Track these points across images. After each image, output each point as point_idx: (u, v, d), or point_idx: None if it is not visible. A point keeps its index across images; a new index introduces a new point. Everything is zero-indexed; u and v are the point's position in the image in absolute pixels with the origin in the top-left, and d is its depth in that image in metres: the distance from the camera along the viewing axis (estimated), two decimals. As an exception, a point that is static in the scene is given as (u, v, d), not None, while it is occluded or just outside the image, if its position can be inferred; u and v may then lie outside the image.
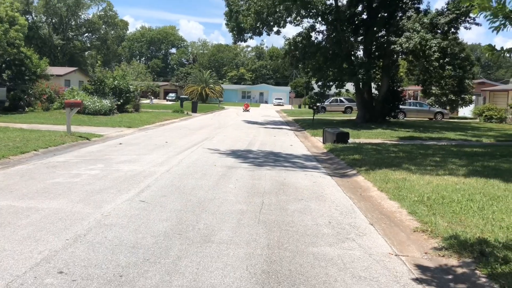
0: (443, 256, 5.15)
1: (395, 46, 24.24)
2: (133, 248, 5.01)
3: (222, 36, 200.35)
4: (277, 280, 4.34)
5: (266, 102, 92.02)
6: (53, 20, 75.00)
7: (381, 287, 4.30)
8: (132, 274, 4.31)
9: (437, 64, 24.10)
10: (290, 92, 77.17)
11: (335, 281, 4.38)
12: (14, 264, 4.43)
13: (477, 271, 4.63)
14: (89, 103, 27.15)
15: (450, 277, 4.61)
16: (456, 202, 7.26)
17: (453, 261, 4.99)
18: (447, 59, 24.25)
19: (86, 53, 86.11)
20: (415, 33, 23.69)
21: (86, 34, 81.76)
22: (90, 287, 4.01)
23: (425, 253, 5.31)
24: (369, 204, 7.76)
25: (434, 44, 23.08)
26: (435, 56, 23.27)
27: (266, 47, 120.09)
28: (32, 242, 5.06)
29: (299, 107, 69.50)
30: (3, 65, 29.11)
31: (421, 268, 4.84)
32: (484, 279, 4.46)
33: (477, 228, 5.89)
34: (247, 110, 51.26)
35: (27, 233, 5.38)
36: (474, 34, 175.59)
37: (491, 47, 4.42)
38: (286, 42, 29.93)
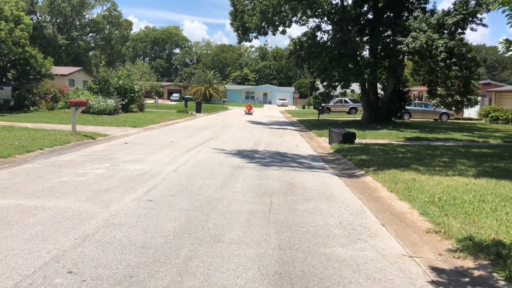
0: (458, 258, 5.04)
1: (401, 46, 24.09)
2: (143, 248, 4.93)
3: (226, 37, 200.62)
4: (290, 282, 4.24)
5: (270, 103, 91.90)
6: (58, 20, 75.05)
7: (397, 289, 4.20)
8: (143, 275, 4.23)
9: (443, 64, 23.94)
10: (294, 93, 77.14)
11: (349, 282, 4.29)
12: (22, 263, 4.35)
13: (494, 274, 4.52)
14: (94, 102, 27.13)
15: (467, 279, 4.50)
16: (468, 203, 7.15)
17: (469, 263, 4.88)
18: (453, 60, 24.10)
19: (90, 53, 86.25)
20: (421, 33, 23.52)
21: (91, 34, 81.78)
22: (101, 287, 3.93)
23: (439, 254, 5.21)
24: (379, 204, 7.66)
25: (440, 44, 22.92)
26: (441, 56, 23.10)
27: (270, 47, 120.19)
28: (41, 241, 4.99)
29: (303, 107, 69.34)
30: (8, 65, 29.17)
31: (437, 270, 4.73)
32: (502, 282, 4.35)
33: (492, 229, 5.78)
34: (250, 113, 42.87)
35: (35, 232, 5.31)
36: (479, 35, 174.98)
37: (508, 41, 4.33)
38: (292, 42, 29.85)
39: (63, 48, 72.45)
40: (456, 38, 24.40)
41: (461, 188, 8.31)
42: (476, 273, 4.62)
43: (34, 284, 3.91)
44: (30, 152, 11.40)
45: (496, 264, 4.69)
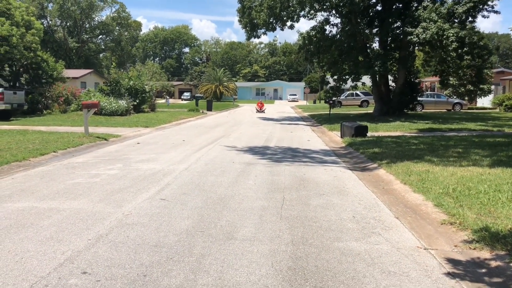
0: (474, 249, 4.97)
1: (412, 37, 23.83)
2: (156, 247, 4.95)
3: (235, 34, 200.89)
4: (304, 277, 4.22)
5: (281, 99, 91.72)
6: (68, 24, 75.76)
7: (412, 282, 4.15)
8: (156, 274, 4.24)
9: (455, 54, 23.63)
10: (304, 88, 76.84)
11: (364, 276, 4.25)
12: (38, 265, 4.40)
13: (512, 264, 4.45)
14: (106, 104, 27.32)
15: (483, 270, 4.44)
16: (483, 193, 7.05)
17: (485, 254, 4.81)
18: (465, 49, 23.74)
19: (101, 55, 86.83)
20: (431, 23, 23.23)
21: (100, 36, 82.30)
22: (115, 287, 3.95)
23: (455, 246, 5.14)
24: (392, 197, 7.59)
25: (451, 34, 22.60)
26: (452, 46, 22.79)
27: (279, 43, 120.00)
28: (55, 243, 5.03)
29: (314, 102, 69.06)
30: (21, 69, 29.52)
31: (452, 261, 4.67)
32: (520, 272, 4.28)
33: (508, 219, 5.68)
34: (262, 111, 39.79)
35: (50, 233, 5.36)
36: (491, 23, 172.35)
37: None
38: (300, 37, 29.69)
39: (74, 51, 73.08)
40: (467, 26, 24.03)
41: (476, 178, 8.20)
42: (493, 263, 4.55)
43: (49, 285, 3.95)
44: (44, 155, 11.52)
45: (513, 254, 4.61)
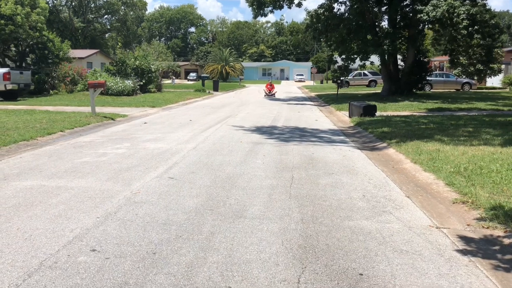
0: (487, 227, 4.89)
1: (422, 15, 23.35)
2: (165, 225, 4.91)
3: (241, 13, 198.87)
4: (315, 255, 4.17)
5: (287, 79, 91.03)
6: (73, 3, 75.12)
7: (425, 261, 4.09)
8: (166, 251, 4.21)
9: (465, 32, 23.11)
10: (311, 68, 76.06)
11: (375, 255, 4.19)
12: (47, 242, 4.38)
13: (526, 243, 4.37)
14: (112, 84, 27.23)
15: (496, 247, 4.37)
16: (496, 172, 6.95)
17: (498, 232, 4.74)
18: (476, 27, 23.24)
19: (107, 35, 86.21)
20: (442, 0, 22.75)
21: (106, 16, 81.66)
22: (124, 264, 3.92)
23: (468, 225, 5.06)
24: (403, 176, 7.50)
25: (462, 12, 22.12)
26: (463, 24, 22.31)
27: (286, 22, 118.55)
28: (64, 221, 5.01)
29: (321, 82, 68.49)
30: (27, 49, 29.41)
31: (465, 239, 4.60)
32: (535, 251, 4.20)
33: (522, 198, 5.59)
34: (272, 94, 33.98)
35: (58, 211, 5.34)
36: (502, 1, 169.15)
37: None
38: (308, 15, 29.24)
39: (80, 31, 72.60)
40: (479, 4, 23.50)
41: (488, 157, 8.08)
42: (506, 241, 4.48)
43: (59, 262, 3.93)
44: (51, 134, 11.52)
45: (528, 233, 4.54)
